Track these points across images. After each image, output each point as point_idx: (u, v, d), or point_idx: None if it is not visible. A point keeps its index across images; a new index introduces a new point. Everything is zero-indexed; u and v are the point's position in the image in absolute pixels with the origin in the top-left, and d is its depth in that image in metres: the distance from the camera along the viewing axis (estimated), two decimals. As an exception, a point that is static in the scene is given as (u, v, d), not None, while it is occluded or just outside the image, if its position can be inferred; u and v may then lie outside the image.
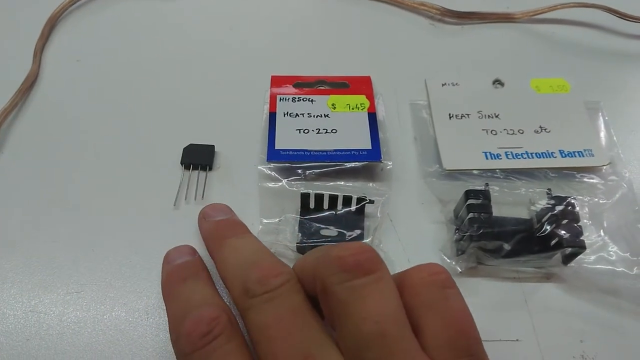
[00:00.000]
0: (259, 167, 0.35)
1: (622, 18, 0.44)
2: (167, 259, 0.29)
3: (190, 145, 0.37)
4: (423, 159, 0.37)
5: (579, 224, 0.32)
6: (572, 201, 0.32)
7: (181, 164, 0.36)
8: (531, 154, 0.37)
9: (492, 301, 0.32)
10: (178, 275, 0.27)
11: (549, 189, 0.33)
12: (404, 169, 0.37)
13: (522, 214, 0.34)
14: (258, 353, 0.23)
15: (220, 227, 0.29)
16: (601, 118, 0.39)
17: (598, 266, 0.32)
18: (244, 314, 0.24)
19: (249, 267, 0.25)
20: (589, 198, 0.35)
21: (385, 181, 0.36)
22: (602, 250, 0.33)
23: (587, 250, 0.33)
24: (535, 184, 0.35)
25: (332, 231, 0.33)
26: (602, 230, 0.34)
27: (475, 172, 0.36)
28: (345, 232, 0.33)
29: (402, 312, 0.23)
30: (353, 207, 0.34)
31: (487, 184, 0.33)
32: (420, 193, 0.36)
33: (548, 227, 0.31)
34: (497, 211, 0.33)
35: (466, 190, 0.33)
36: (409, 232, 0.34)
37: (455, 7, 0.45)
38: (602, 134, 0.38)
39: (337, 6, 0.46)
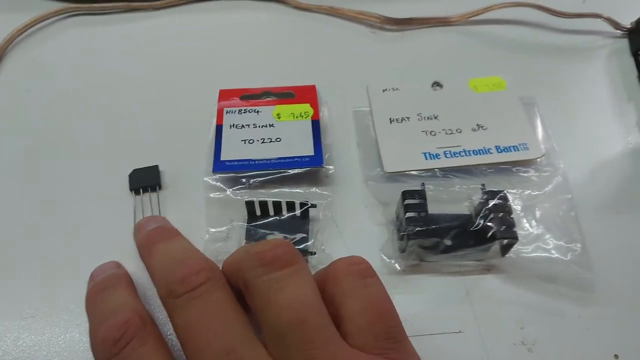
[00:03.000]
0: (204, 179, 0.36)
1: (553, 15, 0.45)
2: (91, 276, 0.29)
3: (135, 170, 0.38)
4: (366, 163, 0.38)
5: (511, 216, 0.33)
6: (505, 194, 0.34)
7: (131, 190, 0.37)
8: (469, 151, 0.38)
9: (435, 296, 0.33)
10: (98, 289, 0.28)
11: (483, 184, 0.35)
12: (347, 174, 0.38)
13: (463, 210, 0.35)
14: (185, 353, 0.24)
15: (150, 235, 0.30)
16: (536, 112, 0.41)
17: (535, 254, 0.34)
18: (170, 315, 0.25)
19: (172, 268, 0.25)
20: (523, 190, 0.36)
21: (329, 185, 0.37)
22: (538, 239, 0.34)
23: (524, 240, 0.34)
24: (472, 181, 0.36)
25: (277, 236, 0.34)
26: (537, 220, 0.35)
27: (415, 173, 0.37)
28: (289, 236, 0.34)
29: (319, 300, 0.24)
30: (297, 212, 0.35)
31: (423, 184, 0.34)
32: (364, 196, 0.37)
33: (482, 221, 0.33)
34: (438, 209, 0.34)
35: (403, 191, 0.34)
36: (353, 234, 0.35)
37: (394, 15, 0.46)
38: (537, 128, 0.40)
39: (282, 19, 0.47)
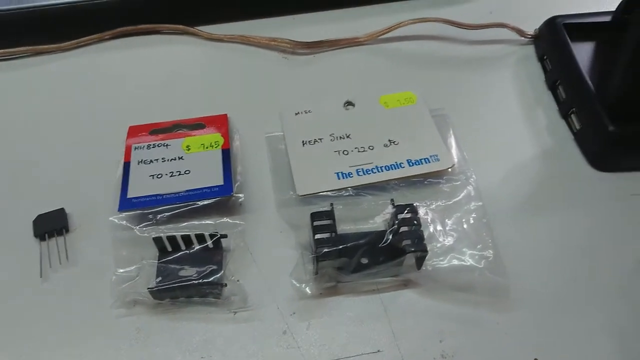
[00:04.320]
0: (110, 219, 0.35)
1: (460, 27, 0.46)
2: None
3: (39, 216, 0.36)
4: (279, 188, 0.38)
5: (420, 228, 0.33)
6: (414, 207, 0.34)
7: (36, 236, 0.36)
8: (381, 167, 0.38)
9: (353, 316, 0.33)
10: None
11: (392, 199, 0.34)
12: (261, 200, 0.37)
13: (377, 226, 0.35)
14: None
15: None
16: (447, 123, 0.41)
17: (450, 265, 0.33)
18: None
19: None
20: (435, 201, 0.36)
21: (242, 214, 0.37)
22: (452, 249, 0.34)
23: (439, 251, 0.34)
24: (384, 196, 0.36)
25: (189, 270, 0.34)
26: (450, 230, 0.35)
27: (328, 193, 0.37)
28: (201, 269, 0.33)
29: None
30: (209, 244, 0.34)
31: (331, 204, 0.34)
32: (279, 222, 0.36)
33: (390, 237, 0.32)
34: (351, 228, 0.34)
35: (311, 213, 0.33)
36: (268, 261, 0.35)
37: (305, 38, 0.46)
38: (448, 139, 0.40)
39: (195, 51, 0.47)
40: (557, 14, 0.46)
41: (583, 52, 0.42)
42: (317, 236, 0.32)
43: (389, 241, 0.32)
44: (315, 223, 0.33)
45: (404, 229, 0.33)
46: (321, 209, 0.34)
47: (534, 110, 0.43)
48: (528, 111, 0.43)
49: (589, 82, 0.40)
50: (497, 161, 0.39)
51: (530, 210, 0.37)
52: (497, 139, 0.41)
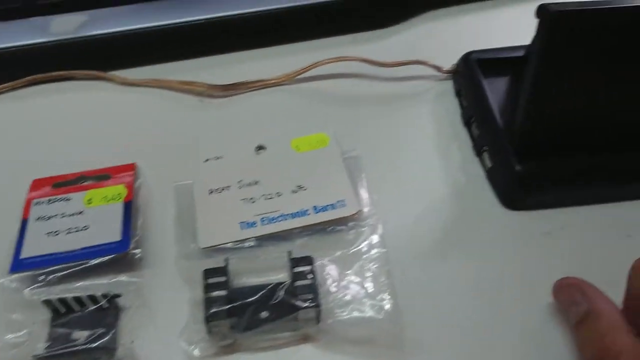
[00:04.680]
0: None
1: (377, 65, 0.46)
2: None
3: None
4: (182, 241, 0.37)
5: (315, 282, 0.32)
6: (310, 259, 0.33)
7: None
8: (286, 215, 0.37)
9: (249, 376, 0.32)
10: None
11: (289, 252, 0.34)
12: (162, 254, 0.36)
13: (276, 279, 0.34)
14: None
15: None
16: (359, 166, 0.40)
17: (350, 317, 0.33)
18: None
19: None
20: (339, 250, 0.35)
21: (139, 270, 0.35)
22: (352, 300, 0.33)
23: (339, 303, 0.33)
24: (287, 246, 0.35)
25: (80, 334, 0.32)
26: (352, 280, 0.34)
27: (230, 245, 0.36)
28: (92, 332, 0.32)
29: None
30: (102, 304, 0.33)
31: (226, 259, 0.33)
32: (177, 277, 0.35)
33: (281, 293, 0.32)
34: (248, 281, 0.33)
35: (204, 271, 0.32)
36: (165, 320, 0.33)
37: (223, 80, 0.46)
38: (358, 182, 0.39)
39: (108, 97, 0.46)
40: (476, 49, 0.45)
41: (495, 88, 0.42)
42: (208, 295, 0.31)
43: (279, 298, 0.31)
44: (208, 281, 0.32)
45: (298, 283, 0.32)
46: (215, 266, 0.33)
47: (449, 148, 0.42)
48: (444, 149, 0.42)
49: (498, 120, 0.40)
50: (408, 203, 0.39)
51: (438, 254, 0.36)
52: (410, 179, 0.40)
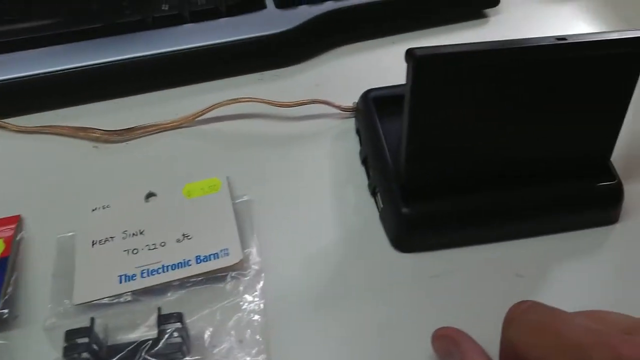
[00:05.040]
0: None
1: (277, 106, 0.45)
2: None
3: None
4: (58, 297, 0.35)
5: (180, 341, 0.31)
6: (180, 314, 0.32)
7: None
8: (167, 267, 0.36)
9: None
10: None
11: (159, 308, 0.32)
12: (35, 313, 0.35)
13: (145, 336, 0.32)
14: None
15: None
16: (249, 211, 0.40)
17: (224, 374, 0.31)
18: None
19: None
20: (216, 302, 0.34)
21: (7, 331, 0.34)
22: (228, 355, 0.32)
23: (215, 358, 0.32)
24: (162, 301, 0.34)
25: None
26: (228, 334, 0.33)
27: (106, 300, 0.34)
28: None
29: None
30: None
31: (92, 319, 0.32)
32: (48, 338, 0.34)
33: (143, 353, 0.30)
34: (118, 339, 0.32)
35: (66, 332, 0.31)
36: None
37: (121, 124, 0.45)
38: (246, 228, 0.38)
39: (1, 144, 0.45)
40: (378, 86, 0.45)
41: (390, 127, 0.42)
42: (67, 358, 0.30)
43: (141, 358, 0.30)
44: (69, 343, 0.30)
45: (166, 340, 0.31)
46: (79, 327, 0.31)
47: (346, 188, 0.42)
48: (341, 190, 0.42)
49: (389, 160, 0.39)
50: (298, 249, 0.38)
51: (322, 302, 0.35)
52: (303, 223, 0.40)
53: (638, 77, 0.34)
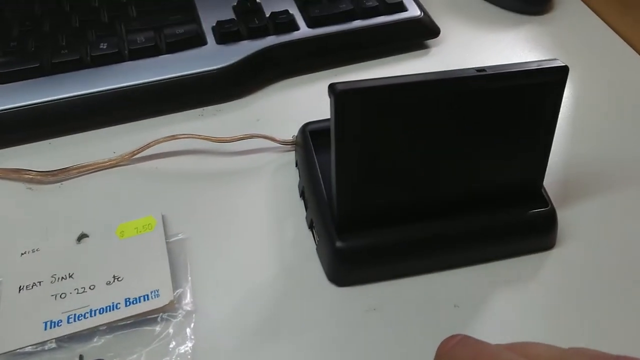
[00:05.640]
0: None
1: (215, 142, 0.45)
2: None
3: None
4: (-22, 347, 0.34)
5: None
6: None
7: None
8: (95, 311, 0.35)
9: None
10: None
11: (81, 355, 0.31)
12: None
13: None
14: None
15: None
16: (182, 250, 0.39)
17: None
18: None
19: None
20: (144, 347, 0.33)
21: None
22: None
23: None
24: (85, 347, 0.33)
25: None
26: (155, 380, 0.32)
27: (30, 349, 0.33)
28: None
29: None
30: None
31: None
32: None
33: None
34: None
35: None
36: None
37: (52, 166, 0.44)
38: (179, 268, 0.38)
39: None
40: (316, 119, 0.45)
41: (327, 160, 0.41)
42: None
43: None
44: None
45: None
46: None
47: (284, 223, 0.41)
48: (279, 224, 0.41)
49: (324, 193, 0.39)
50: (233, 286, 0.37)
51: (254, 341, 0.34)
52: (238, 259, 0.39)
53: (559, 105, 0.34)
